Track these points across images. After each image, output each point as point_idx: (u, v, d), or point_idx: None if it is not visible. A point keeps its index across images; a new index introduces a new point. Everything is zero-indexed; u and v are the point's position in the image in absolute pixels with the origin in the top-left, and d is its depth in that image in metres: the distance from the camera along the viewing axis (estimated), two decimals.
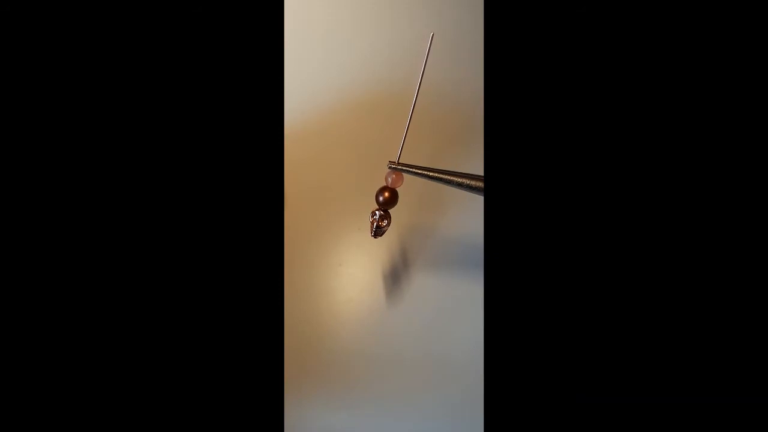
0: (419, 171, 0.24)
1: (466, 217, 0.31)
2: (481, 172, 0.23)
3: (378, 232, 0.25)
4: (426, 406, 0.27)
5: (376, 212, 0.25)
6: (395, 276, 0.30)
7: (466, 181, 0.23)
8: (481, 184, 0.23)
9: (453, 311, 0.29)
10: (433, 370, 0.28)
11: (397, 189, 0.25)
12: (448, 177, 0.23)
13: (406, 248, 0.31)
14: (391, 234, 0.30)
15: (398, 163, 0.24)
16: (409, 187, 0.26)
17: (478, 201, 0.27)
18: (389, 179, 0.25)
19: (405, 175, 0.24)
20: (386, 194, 0.25)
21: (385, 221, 0.25)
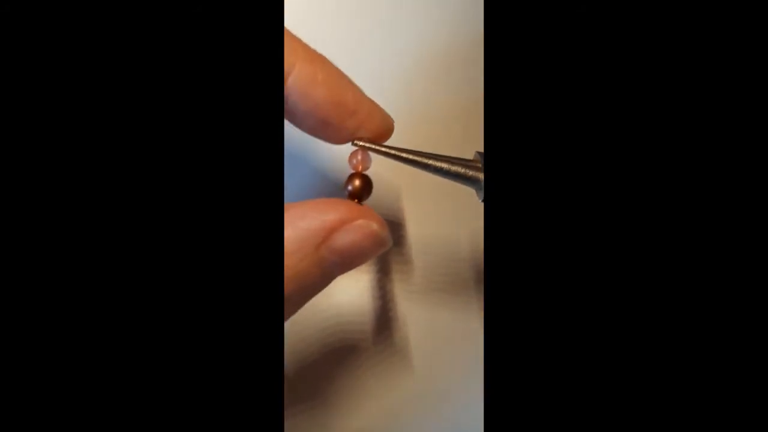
0: (392, 151, 0.19)
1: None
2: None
3: None
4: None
5: None
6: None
7: (449, 167, 0.19)
8: (468, 171, 0.19)
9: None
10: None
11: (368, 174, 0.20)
12: (429, 160, 0.19)
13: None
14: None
15: (366, 140, 0.19)
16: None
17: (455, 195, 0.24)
18: (354, 161, 0.20)
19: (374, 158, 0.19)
20: (356, 183, 0.19)
21: None
